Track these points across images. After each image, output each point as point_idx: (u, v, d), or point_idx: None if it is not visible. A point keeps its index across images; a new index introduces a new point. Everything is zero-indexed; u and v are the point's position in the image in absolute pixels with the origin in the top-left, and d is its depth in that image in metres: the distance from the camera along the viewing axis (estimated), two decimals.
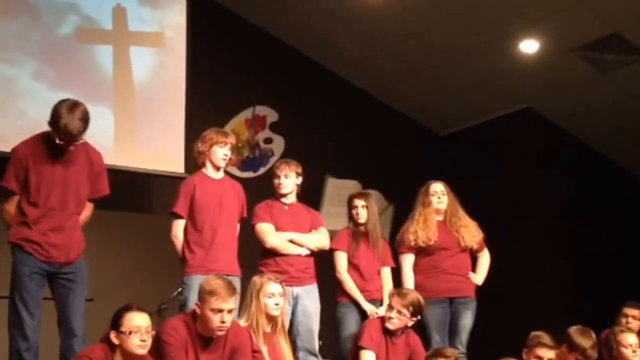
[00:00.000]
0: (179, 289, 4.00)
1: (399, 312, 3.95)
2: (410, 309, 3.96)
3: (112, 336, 3.00)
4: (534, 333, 3.95)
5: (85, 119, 3.38)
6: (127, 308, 3.05)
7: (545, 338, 3.91)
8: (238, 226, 4.07)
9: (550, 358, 3.86)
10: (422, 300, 4.04)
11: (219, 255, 3.84)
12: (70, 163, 3.49)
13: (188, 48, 6.15)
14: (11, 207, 3.45)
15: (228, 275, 3.70)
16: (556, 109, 7.13)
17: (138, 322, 2.99)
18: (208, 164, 4.02)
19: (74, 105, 3.37)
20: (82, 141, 3.44)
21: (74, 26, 5.80)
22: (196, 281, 3.72)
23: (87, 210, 3.63)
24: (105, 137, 5.49)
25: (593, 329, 4.20)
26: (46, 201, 3.42)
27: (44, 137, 3.48)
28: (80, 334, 3.43)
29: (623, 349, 4.20)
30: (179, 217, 3.91)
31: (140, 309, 3.06)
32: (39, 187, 3.41)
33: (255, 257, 4.21)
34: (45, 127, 5.12)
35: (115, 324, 3.01)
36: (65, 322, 3.42)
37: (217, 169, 4.02)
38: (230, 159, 4.06)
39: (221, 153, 3.99)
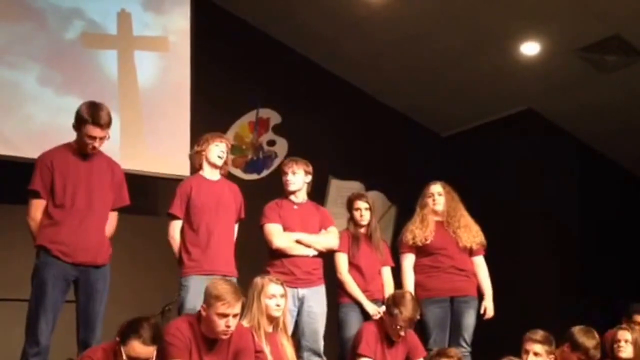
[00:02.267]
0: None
1: (402, 327, 3.99)
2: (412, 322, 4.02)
3: (116, 347, 2.97)
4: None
5: (109, 114, 3.54)
6: (137, 334, 2.90)
7: (535, 333, 3.95)
8: (236, 227, 4.09)
9: (536, 352, 3.88)
10: (417, 314, 4.04)
11: (215, 255, 3.85)
12: (94, 167, 3.60)
13: (192, 52, 6.17)
14: (37, 213, 3.49)
15: (225, 275, 3.75)
16: (557, 110, 7.15)
17: (139, 354, 2.91)
18: (205, 165, 4.04)
19: (96, 103, 3.55)
20: (107, 138, 3.56)
21: (79, 31, 5.82)
22: (193, 282, 3.77)
23: (113, 220, 3.71)
24: (111, 140, 5.37)
25: (595, 328, 4.23)
26: (73, 202, 3.48)
27: (68, 145, 3.61)
28: (98, 335, 3.47)
29: (615, 345, 4.24)
30: (176, 218, 3.93)
31: (151, 339, 2.91)
32: (65, 189, 3.48)
33: (258, 257, 4.25)
34: (51, 131, 5.19)
35: (121, 338, 2.95)
36: (84, 325, 3.48)
37: (214, 167, 4.04)
38: (225, 162, 4.07)
39: (217, 150, 4.02)
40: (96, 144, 3.54)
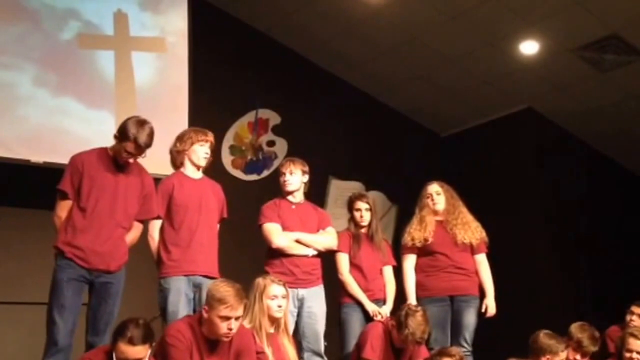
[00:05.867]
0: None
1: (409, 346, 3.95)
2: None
3: (112, 349, 2.97)
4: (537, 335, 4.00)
5: (152, 135, 3.54)
6: (122, 335, 2.91)
7: (553, 344, 3.96)
8: (217, 227, 4.02)
9: None
10: (426, 335, 3.96)
11: (196, 255, 3.77)
12: (123, 177, 3.60)
13: (190, 53, 6.15)
14: (63, 212, 3.51)
15: (206, 276, 3.72)
16: (556, 109, 7.16)
17: (127, 355, 2.91)
18: (187, 164, 3.94)
19: (143, 121, 3.56)
20: (143, 156, 3.58)
21: (75, 32, 5.78)
22: (174, 283, 3.71)
23: (136, 230, 3.70)
24: (108, 142, 5.46)
25: (598, 325, 4.24)
26: (95, 207, 3.49)
27: (103, 151, 3.63)
28: (107, 337, 3.43)
29: (627, 354, 4.23)
30: (156, 217, 3.83)
31: (139, 339, 2.91)
32: (90, 193, 3.49)
33: (259, 257, 4.20)
34: (46, 133, 5.14)
35: (113, 340, 2.96)
36: (92, 327, 3.48)
37: (197, 168, 3.96)
38: (210, 158, 3.99)
39: (202, 152, 3.93)
40: (131, 159, 3.59)
